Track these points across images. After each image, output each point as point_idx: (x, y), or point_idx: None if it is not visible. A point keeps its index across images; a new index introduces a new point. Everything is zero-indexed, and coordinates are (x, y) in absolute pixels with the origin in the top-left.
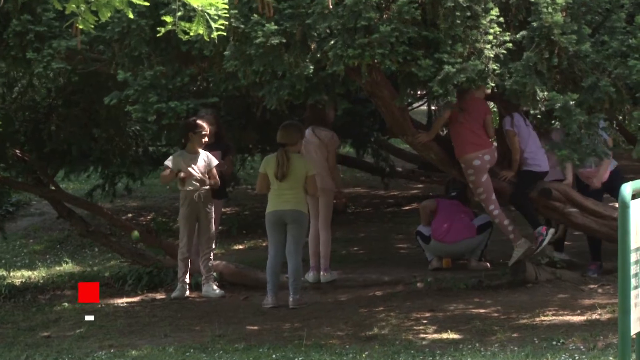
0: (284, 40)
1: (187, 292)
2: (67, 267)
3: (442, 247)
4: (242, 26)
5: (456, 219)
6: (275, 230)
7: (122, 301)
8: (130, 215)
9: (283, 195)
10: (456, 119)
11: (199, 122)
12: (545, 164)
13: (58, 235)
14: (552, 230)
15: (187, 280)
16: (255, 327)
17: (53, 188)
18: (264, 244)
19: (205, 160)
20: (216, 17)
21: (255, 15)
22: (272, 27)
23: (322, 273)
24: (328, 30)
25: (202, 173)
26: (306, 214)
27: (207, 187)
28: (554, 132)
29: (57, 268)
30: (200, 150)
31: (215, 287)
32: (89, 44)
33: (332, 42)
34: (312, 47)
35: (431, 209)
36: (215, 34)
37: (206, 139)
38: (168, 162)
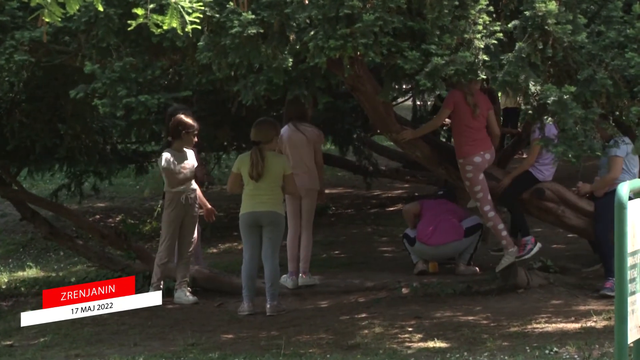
0: (262, 31)
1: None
2: (31, 272)
3: (428, 249)
4: (217, 15)
5: (442, 219)
6: (251, 232)
7: None
8: (97, 216)
9: (259, 196)
10: (458, 116)
11: (191, 121)
12: (548, 177)
13: (21, 239)
14: (540, 245)
15: (161, 286)
16: (231, 336)
17: (16, 188)
18: (239, 248)
19: (191, 159)
20: (190, 10)
21: (231, 4)
22: (249, 16)
23: (301, 275)
24: (308, 20)
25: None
26: (283, 215)
27: (196, 188)
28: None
29: (20, 273)
30: (184, 149)
31: (188, 293)
32: (54, 35)
33: (312, 32)
34: (291, 38)
35: (414, 212)
36: (189, 27)
37: (195, 138)
38: (170, 163)
